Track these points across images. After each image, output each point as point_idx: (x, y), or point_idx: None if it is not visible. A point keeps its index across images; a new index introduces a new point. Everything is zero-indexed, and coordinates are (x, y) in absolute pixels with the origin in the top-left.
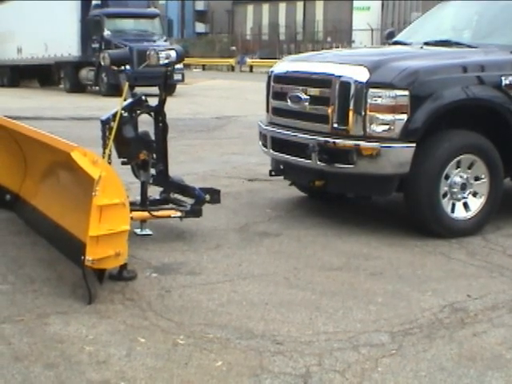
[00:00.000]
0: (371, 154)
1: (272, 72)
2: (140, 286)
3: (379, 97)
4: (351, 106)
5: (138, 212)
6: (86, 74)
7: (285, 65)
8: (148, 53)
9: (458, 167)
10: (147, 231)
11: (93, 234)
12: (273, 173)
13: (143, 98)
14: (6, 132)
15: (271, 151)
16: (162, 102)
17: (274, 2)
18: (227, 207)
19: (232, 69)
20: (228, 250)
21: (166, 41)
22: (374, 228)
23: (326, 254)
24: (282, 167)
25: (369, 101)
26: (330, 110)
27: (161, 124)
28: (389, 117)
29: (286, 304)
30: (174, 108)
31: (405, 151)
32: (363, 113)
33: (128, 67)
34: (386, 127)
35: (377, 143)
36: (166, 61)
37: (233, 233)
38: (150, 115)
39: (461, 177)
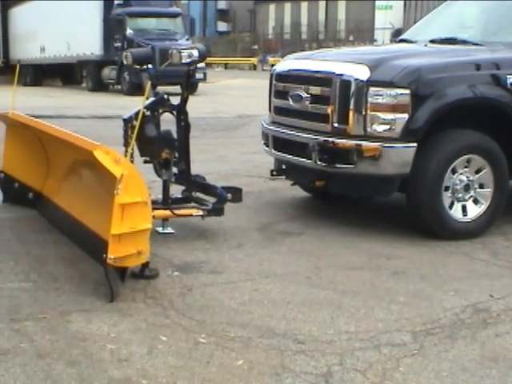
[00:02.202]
0: (372, 154)
1: (274, 70)
2: (162, 284)
3: (380, 95)
4: (351, 105)
5: (159, 210)
6: (109, 72)
7: (287, 63)
8: (170, 52)
9: (465, 167)
10: (169, 230)
11: (115, 232)
12: (274, 173)
13: (165, 96)
14: (29, 131)
15: (273, 151)
16: (184, 101)
17: (296, 1)
18: (249, 206)
19: (254, 68)
20: (250, 249)
21: (188, 40)
22: (395, 227)
23: (348, 254)
24: (283, 167)
25: (369, 100)
26: (330, 109)
27: (183, 123)
28: (389, 116)
29: (308, 303)
30: (195, 107)
31: (406, 151)
32: (364, 112)
33: (150, 66)
34: (387, 127)
35: (377, 143)
36: (189, 60)
37: (254, 232)
38: (172, 114)
39: (467, 177)
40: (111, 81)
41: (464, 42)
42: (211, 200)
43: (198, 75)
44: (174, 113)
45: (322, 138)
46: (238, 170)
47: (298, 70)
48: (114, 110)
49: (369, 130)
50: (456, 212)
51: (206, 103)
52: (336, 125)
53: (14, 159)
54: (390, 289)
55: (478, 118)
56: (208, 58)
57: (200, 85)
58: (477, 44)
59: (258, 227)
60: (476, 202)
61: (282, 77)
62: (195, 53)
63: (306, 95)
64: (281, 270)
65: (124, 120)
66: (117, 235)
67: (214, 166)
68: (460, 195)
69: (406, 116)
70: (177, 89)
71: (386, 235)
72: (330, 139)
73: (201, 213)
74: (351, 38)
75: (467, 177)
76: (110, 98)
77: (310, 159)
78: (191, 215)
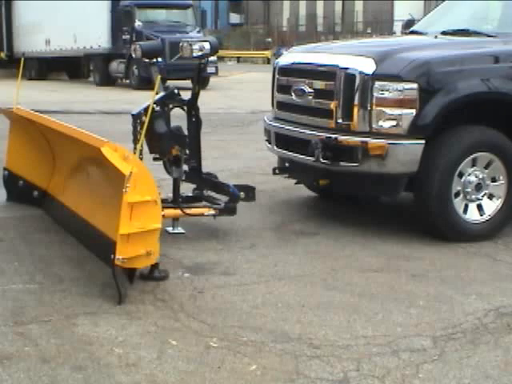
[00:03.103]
0: (377, 151)
1: (277, 63)
2: (172, 286)
3: (386, 90)
4: (356, 100)
5: (169, 210)
6: (117, 66)
7: (291, 56)
8: (181, 45)
9: (473, 165)
10: (179, 229)
11: (123, 232)
12: (277, 171)
13: (176, 91)
14: (34, 126)
15: (275, 148)
16: (195, 96)
17: None
18: (262, 205)
19: (268, 61)
20: (263, 250)
21: (199, 32)
22: (415, 228)
23: (365, 255)
24: (287, 165)
25: (375, 94)
26: (333, 105)
27: (194, 118)
28: (396, 111)
29: (324, 306)
30: (207, 102)
31: (413, 149)
32: (369, 107)
33: (160, 59)
34: (393, 123)
35: (383, 140)
36: (200, 53)
37: (268, 232)
38: (183, 109)
39: (476, 176)
40: (119, 75)
41: (477, 34)
42: (223, 199)
43: (210, 69)
44: (185, 108)
45: (324, 135)
46: (251, 167)
47: (301, 63)
48: (122, 105)
49: (374, 126)
50: (470, 213)
51: (217, 98)
52: (340, 121)
53: (19, 156)
54: (410, 292)
55: (491, 113)
56: (220, 51)
57: (212, 79)
58: (491, 35)
59: (272, 227)
60: (491, 197)
61: (285, 70)
62: (207, 46)
63: (309, 90)
64: (295, 271)
65: (133, 115)
66: (125, 235)
67: (226, 163)
68: (473, 196)
69: (413, 111)
70: (187, 83)
71: (405, 235)
72: (333, 136)
73: (212, 212)
74: (369, 31)
75: (479, 176)
76: (118, 93)
77: (313, 157)
78: (202, 214)
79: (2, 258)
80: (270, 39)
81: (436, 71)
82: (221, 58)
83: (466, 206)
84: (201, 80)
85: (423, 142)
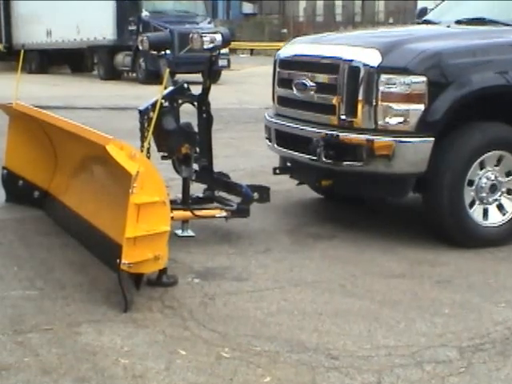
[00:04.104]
0: (383, 150)
1: (278, 56)
2: (181, 292)
3: (392, 84)
4: (360, 95)
5: (179, 211)
6: (122, 59)
7: (293, 47)
8: (191, 36)
9: (482, 168)
10: (189, 232)
11: (130, 235)
12: (277, 171)
13: (185, 85)
14: (35, 123)
15: (275, 146)
16: (205, 91)
17: None
18: (277, 206)
19: None
20: (278, 254)
21: (210, 23)
22: None
23: (387, 260)
24: (288, 165)
25: (380, 88)
26: (336, 100)
27: (204, 114)
28: (403, 107)
29: (342, 314)
30: (218, 97)
31: (422, 147)
32: (374, 102)
33: (168, 52)
34: (400, 119)
35: (390, 138)
36: (211, 45)
37: (283, 235)
38: (193, 105)
39: (487, 178)
40: (125, 68)
41: (494, 23)
42: (236, 200)
43: (221, 62)
44: (195, 103)
45: (326, 132)
46: (265, 166)
47: (303, 55)
48: (128, 100)
49: (380, 122)
50: (476, 214)
51: (229, 93)
52: (343, 117)
53: (18, 154)
54: (434, 299)
55: (508, 109)
56: (232, 43)
57: (223, 72)
58: (508, 24)
59: (287, 230)
60: (500, 208)
61: (287, 63)
62: (218, 37)
63: (311, 83)
64: (312, 277)
65: (140, 111)
66: (132, 238)
67: (238, 161)
68: (484, 195)
69: (422, 107)
70: (198, 77)
71: (429, 239)
72: (336, 133)
73: (224, 214)
74: (391, 20)
75: (496, 176)
76: (123, 87)
77: (315, 155)
78: (214, 216)
79: (1, 262)
80: (285, 30)
81: (447, 63)
82: (233, 51)
83: (473, 202)
84: (212, 74)
85: (432, 139)
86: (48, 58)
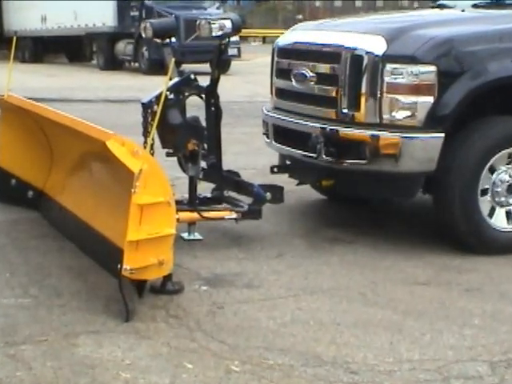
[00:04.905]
0: (389, 147)
1: (277, 44)
2: (187, 300)
3: (399, 74)
4: (364, 87)
5: (185, 213)
6: (124, 47)
7: (293, 35)
8: (198, 23)
9: (509, 163)
10: (196, 235)
11: (131, 238)
12: (275, 169)
13: (192, 76)
14: (29, 117)
15: (273, 142)
16: (214, 82)
17: None
18: (291, 208)
19: None
20: (292, 259)
21: (218, 8)
22: None
23: (410, 265)
24: (288, 163)
25: (386, 79)
26: (337, 91)
27: (213, 108)
28: (411, 99)
29: (362, 325)
30: (228, 89)
31: (431, 143)
32: (379, 94)
33: (174, 40)
34: (408, 113)
35: (396, 133)
36: (220, 32)
37: (298, 238)
38: (201, 97)
39: (510, 176)
40: (127, 57)
41: None
42: (246, 200)
43: (231, 51)
44: (203, 96)
45: (327, 127)
46: None
47: (303, 43)
48: (130, 92)
49: (385, 117)
50: (497, 220)
51: (240, 84)
52: (345, 111)
53: (11, 151)
54: (463, 309)
55: None
56: (243, 31)
57: (233, 62)
58: None
59: (302, 233)
60: None
61: (286, 51)
62: (228, 24)
63: (311, 74)
64: (329, 284)
65: (143, 104)
66: (134, 242)
67: (250, 159)
68: (503, 199)
69: (431, 99)
70: (206, 67)
71: (455, 243)
72: (336, 128)
73: (234, 215)
74: (416, 5)
75: (511, 175)
76: (125, 78)
77: (314, 153)
78: (223, 218)
79: None
80: (300, 16)
81: (459, 51)
82: (244, 38)
83: (493, 210)
84: (221, 64)
85: (443, 135)
86: (43, 46)
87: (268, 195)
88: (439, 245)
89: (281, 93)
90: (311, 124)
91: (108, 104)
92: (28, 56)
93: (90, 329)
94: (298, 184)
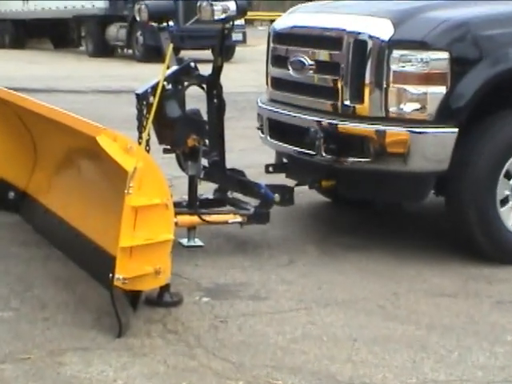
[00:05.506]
0: (396, 143)
1: (273, 28)
2: (186, 314)
3: (407, 61)
4: (368, 76)
5: (184, 216)
6: (116, 32)
7: (292, 18)
8: (199, 4)
9: None
10: (197, 241)
11: (125, 244)
12: (270, 168)
13: (192, 64)
14: (9, 109)
15: (268, 138)
16: (217, 71)
17: None
18: (302, 210)
19: None
20: (303, 268)
21: None
22: None
23: (434, 275)
24: (285, 161)
25: (392, 67)
26: (338, 81)
27: (215, 100)
28: (421, 90)
29: (381, 341)
30: (232, 78)
31: (443, 140)
32: (384, 85)
33: (172, 24)
34: (417, 105)
35: (404, 128)
36: (223, 15)
37: (309, 244)
38: (202, 88)
39: None
40: (119, 43)
41: None
42: (252, 202)
43: (236, 36)
44: (204, 86)
45: (326, 121)
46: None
47: (303, 26)
48: (123, 81)
49: (391, 109)
50: None
51: (245, 73)
52: (346, 103)
53: None
54: (494, 324)
55: None
56: (249, 13)
57: (238, 48)
58: None
59: (314, 238)
60: None
61: (283, 36)
62: (232, 6)
63: (309, 62)
64: (344, 295)
65: (137, 96)
66: (127, 248)
67: (255, 156)
68: None
69: (443, 90)
70: (207, 54)
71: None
72: (337, 122)
73: (239, 219)
74: None
75: None
76: (117, 66)
77: (313, 150)
78: (226, 222)
79: None
80: None
81: (476, 35)
82: (250, 22)
83: None
84: (224, 50)
85: (456, 130)
86: (25, 30)
87: (276, 197)
88: (465, 252)
89: (277, 83)
90: (309, 117)
91: (98, 95)
92: (8, 41)
93: (78, 345)
94: (296, 185)
